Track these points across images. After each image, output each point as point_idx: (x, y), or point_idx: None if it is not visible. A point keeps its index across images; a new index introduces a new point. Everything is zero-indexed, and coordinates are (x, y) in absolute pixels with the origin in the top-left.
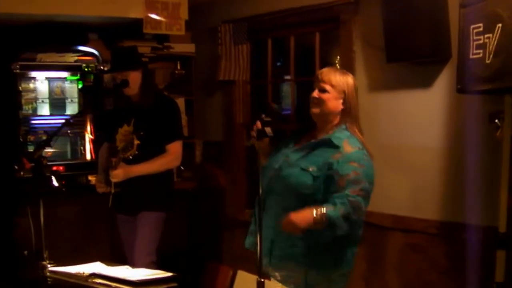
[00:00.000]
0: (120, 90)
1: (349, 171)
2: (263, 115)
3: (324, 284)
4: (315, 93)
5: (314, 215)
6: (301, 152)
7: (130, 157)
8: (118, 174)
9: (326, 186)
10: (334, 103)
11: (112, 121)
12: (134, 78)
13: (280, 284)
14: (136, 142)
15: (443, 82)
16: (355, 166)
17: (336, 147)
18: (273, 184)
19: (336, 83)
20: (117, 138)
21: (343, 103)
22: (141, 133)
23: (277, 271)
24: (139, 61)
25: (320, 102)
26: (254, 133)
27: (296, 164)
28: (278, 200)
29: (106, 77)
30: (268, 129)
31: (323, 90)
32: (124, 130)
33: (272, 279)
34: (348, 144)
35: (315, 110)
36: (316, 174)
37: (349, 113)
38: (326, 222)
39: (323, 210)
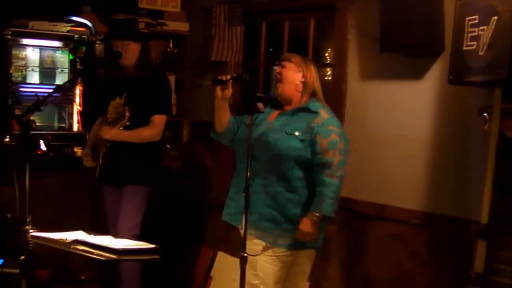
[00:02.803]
0: (116, 61)
1: (330, 134)
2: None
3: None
4: (277, 69)
5: (314, 223)
6: (281, 119)
7: (121, 128)
8: (110, 131)
9: (312, 149)
10: (294, 75)
11: (104, 93)
12: (133, 49)
13: (258, 241)
14: (128, 114)
15: (435, 74)
16: (334, 130)
17: (314, 113)
18: (258, 150)
19: (294, 59)
20: (109, 110)
21: (303, 76)
22: (132, 106)
23: (255, 229)
24: (140, 34)
25: (281, 76)
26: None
27: (281, 130)
28: (263, 166)
29: (99, 48)
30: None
31: (283, 66)
32: (116, 102)
33: (250, 236)
34: (324, 111)
35: (279, 86)
36: (301, 138)
37: (311, 89)
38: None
39: (315, 214)
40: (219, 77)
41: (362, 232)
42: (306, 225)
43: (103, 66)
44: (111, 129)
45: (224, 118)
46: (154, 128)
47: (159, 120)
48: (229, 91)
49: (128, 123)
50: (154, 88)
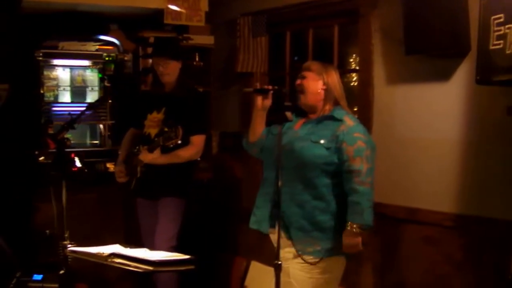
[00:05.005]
0: (155, 76)
1: (355, 141)
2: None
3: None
4: (297, 81)
5: (356, 236)
6: (306, 127)
7: (171, 145)
8: (148, 156)
9: (338, 156)
10: (314, 83)
11: (141, 106)
12: (174, 67)
13: (289, 248)
14: (181, 132)
15: (462, 75)
16: (360, 137)
17: (339, 121)
18: (284, 159)
19: (313, 68)
20: (146, 124)
21: (324, 84)
22: (170, 121)
23: (297, 242)
24: (181, 53)
25: (302, 87)
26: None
27: (306, 138)
28: (289, 174)
29: (127, 65)
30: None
31: (303, 77)
32: (153, 116)
33: (287, 249)
34: (348, 118)
35: (301, 97)
36: (327, 146)
37: (333, 95)
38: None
39: (355, 225)
40: (262, 87)
41: (395, 236)
42: (349, 238)
43: (135, 82)
44: (149, 154)
45: (259, 128)
46: (193, 148)
47: (198, 140)
48: (268, 101)
49: (179, 142)
50: (193, 108)
